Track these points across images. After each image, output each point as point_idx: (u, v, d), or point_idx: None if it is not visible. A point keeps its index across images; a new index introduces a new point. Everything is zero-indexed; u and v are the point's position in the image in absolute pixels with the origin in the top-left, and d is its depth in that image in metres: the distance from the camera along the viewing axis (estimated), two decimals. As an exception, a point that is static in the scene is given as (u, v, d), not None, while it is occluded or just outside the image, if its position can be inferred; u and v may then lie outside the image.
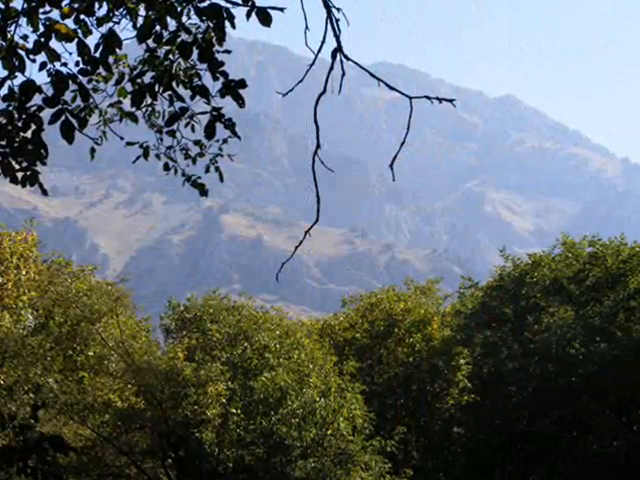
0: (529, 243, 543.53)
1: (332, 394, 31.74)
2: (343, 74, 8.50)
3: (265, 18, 7.81)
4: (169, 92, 8.43)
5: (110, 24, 7.95)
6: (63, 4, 7.72)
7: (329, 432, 30.99)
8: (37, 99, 7.75)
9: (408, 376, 42.34)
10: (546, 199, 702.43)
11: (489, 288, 44.13)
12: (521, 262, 43.73)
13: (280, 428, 30.19)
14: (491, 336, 42.02)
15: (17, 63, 7.75)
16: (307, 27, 8.42)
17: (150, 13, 7.89)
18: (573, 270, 42.17)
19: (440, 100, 8.66)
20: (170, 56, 8.31)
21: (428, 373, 42.14)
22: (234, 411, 30.44)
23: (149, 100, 8.57)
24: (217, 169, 9.30)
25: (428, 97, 8.71)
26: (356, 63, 8.65)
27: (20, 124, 7.85)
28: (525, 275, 42.75)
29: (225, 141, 9.00)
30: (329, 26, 8.32)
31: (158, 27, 7.96)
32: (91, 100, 8.30)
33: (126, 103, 8.71)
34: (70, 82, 7.80)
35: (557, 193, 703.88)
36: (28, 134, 7.86)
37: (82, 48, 7.74)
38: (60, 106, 7.78)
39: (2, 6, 7.74)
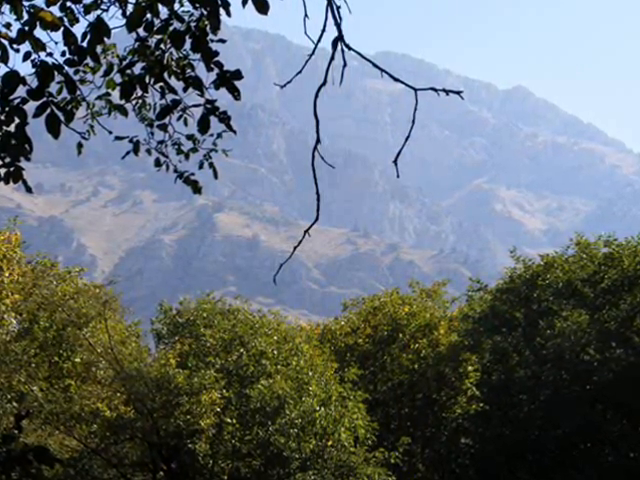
0: (541, 243, 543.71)
1: (333, 403, 31.75)
2: (344, 65, 8.50)
3: (262, 5, 7.81)
4: (160, 84, 8.42)
5: (98, 12, 7.96)
6: (48, -9, 7.72)
7: (329, 443, 31.01)
8: (21, 91, 7.74)
9: (413, 384, 42.34)
10: (559, 197, 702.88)
11: (499, 291, 44.16)
12: (532, 263, 43.73)
13: (278, 439, 30.21)
14: (501, 342, 42.04)
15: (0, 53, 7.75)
16: (306, 15, 8.42)
17: (140, 0, 7.89)
18: (587, 272, 42.18)
19: (447, 92, 8.67)
20: (162, 46, 8.30)
21: (434, 381, 42.14)
22: (229, 421, 30.46)
23: (139, 92, 8.57)
24: (211, 165, 9.30)
25: (434, 89, 8.71)
26: (358, 53, 8.65)
27: (3, 117, 7.84)
28: (537, 277, 42.77)
29: (220, 135, 9.01)
30: (330, 14, 8.32)
31: (149, 15, 7.96)
32: (78, 92, 8.30)
33: (115, 95, 8.71)
34: (56, 73, 7.79)
35: (570, 190, 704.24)
36: (11, 128, 7.86)
37: (68, 37, 7.74)
38: (45, 98, 7.77)
39: (-16, -7, 7.74)
